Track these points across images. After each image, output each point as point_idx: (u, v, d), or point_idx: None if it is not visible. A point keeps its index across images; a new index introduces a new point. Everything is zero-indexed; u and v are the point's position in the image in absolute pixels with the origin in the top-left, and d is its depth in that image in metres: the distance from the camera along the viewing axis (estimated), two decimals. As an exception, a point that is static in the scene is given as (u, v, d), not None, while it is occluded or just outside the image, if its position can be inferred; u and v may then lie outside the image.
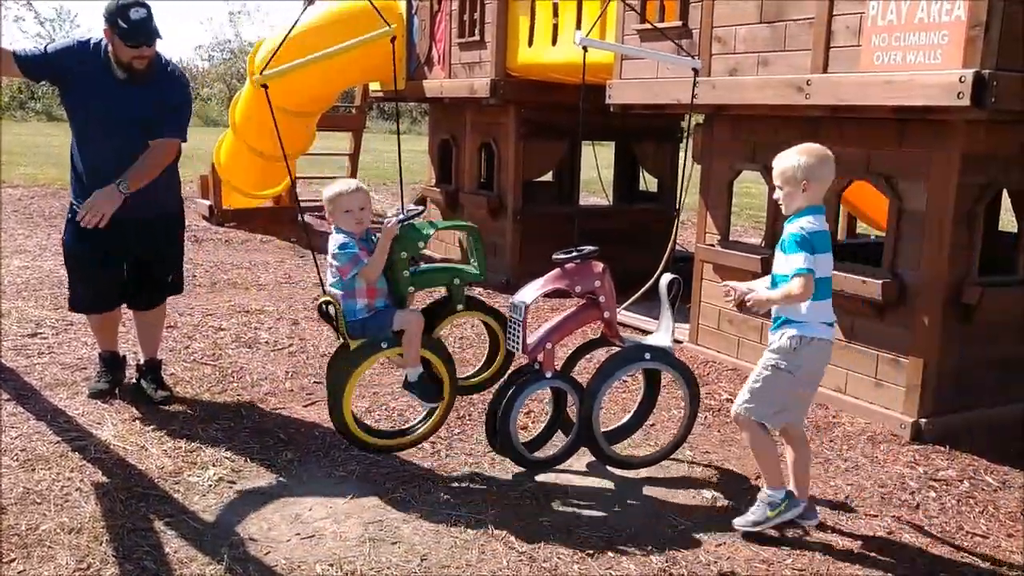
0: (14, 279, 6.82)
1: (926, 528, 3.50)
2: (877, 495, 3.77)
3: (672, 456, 3.97)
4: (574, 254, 3.65)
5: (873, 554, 3.28)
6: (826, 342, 3.29)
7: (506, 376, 3.82)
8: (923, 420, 4.37)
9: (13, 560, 2.96)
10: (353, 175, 12.13)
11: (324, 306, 3.56)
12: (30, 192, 11.49)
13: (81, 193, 4.17)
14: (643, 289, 4.46)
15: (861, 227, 8.12)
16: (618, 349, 3.82)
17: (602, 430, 3.81)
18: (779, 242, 3.31)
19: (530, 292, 3.64)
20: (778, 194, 3.32)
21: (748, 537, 3.34)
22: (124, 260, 4.30)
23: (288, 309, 6.39)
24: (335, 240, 3.61)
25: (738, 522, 3.41)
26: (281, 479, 3.67)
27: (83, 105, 4.09)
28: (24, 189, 11.77)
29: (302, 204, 10.91)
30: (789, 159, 3.24)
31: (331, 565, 3.02)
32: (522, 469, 3.81)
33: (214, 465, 3.75)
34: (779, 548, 3.29)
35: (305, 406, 4.50)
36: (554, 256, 3.70)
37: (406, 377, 3.76)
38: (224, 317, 6.09)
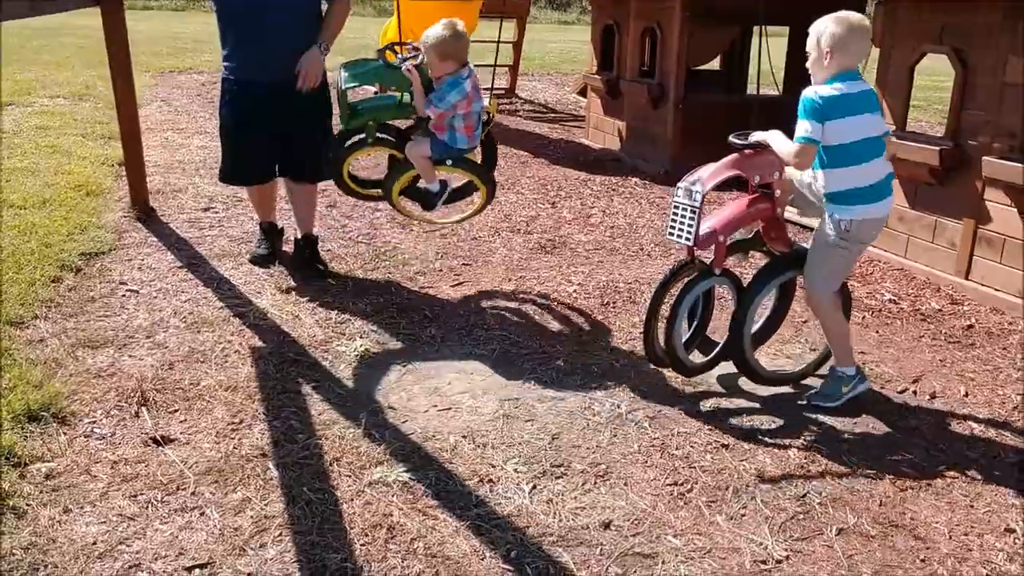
0: (193, 157, 7.21)
1: (1104, 446, 3.21)
2: (1050, 408, 3.48)
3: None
4: (752, 140, 3.28)
5: (1038, 468, 3.05)
6: (871, 220, 3.20)
7: (668, 272, 3.43)
8: (1114, 332, 3.97)
9: (177, 411, 3.19)
10: (516, 63, 12.00)
11: None
12: (213, 78, 12.04)
13: (231, 71, 4.33)
14: None
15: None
16: (777, 254, 3.46)
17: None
18: None
19: (707, 177, 3.24)
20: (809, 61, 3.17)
21: (881, 427, 3.17)
22: (271, 127, 4.32)
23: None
24: None
25: (812, 395, 3.45)
26: (424, 354, 3.77)
27: None
28: (208, 75, 12.43)
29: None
30: (819, 24, 3.12)
31: (464, 437, 3.09)
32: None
33: (361, 337, 3.88)
34: (929, 454, 3.10)
35: (452, 286, 4.57)
36: (730, 139, 3.34)
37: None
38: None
